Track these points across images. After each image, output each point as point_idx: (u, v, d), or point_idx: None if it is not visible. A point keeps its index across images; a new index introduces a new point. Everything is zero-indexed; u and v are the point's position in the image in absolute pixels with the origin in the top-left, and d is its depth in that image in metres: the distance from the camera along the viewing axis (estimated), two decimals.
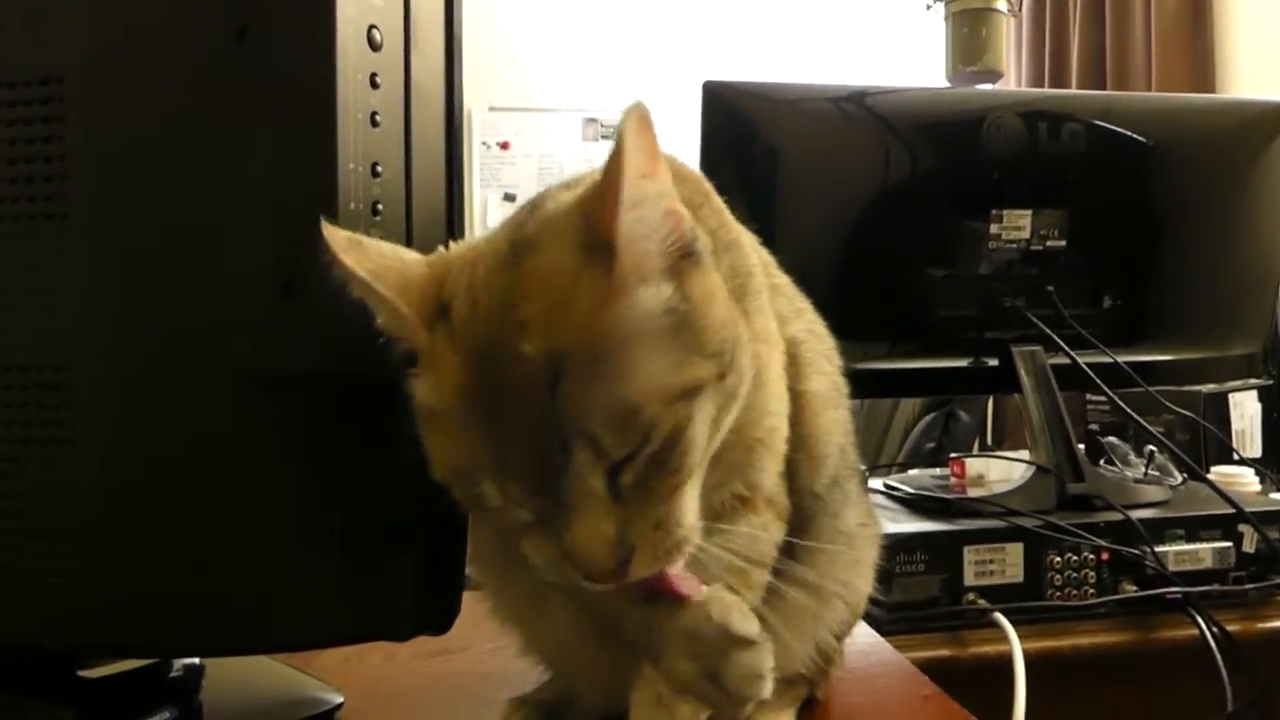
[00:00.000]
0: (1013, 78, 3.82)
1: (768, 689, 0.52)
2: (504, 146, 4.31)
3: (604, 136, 4.34)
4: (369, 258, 0.51)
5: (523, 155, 4.32)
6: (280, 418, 0.54)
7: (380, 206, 0.56)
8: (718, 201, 0.64)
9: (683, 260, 0.51)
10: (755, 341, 0.56)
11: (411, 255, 0.54)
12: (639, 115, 0.47)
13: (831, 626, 0.72)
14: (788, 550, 0.62)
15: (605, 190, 0.47)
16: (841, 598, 0.71)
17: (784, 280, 0.70)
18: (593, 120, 4.36)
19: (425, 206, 0.59)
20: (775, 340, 0.61)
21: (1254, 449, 1.76)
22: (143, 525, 0.56)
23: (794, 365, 0.64)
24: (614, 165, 0.47)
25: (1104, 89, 3.46)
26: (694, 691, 0.53)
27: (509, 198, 4.24)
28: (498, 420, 0.48)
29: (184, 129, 0.54)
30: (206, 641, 0.59)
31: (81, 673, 0.69)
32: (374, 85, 0.55)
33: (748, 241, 0.64)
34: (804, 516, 0.64)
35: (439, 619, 0.61)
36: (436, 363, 0.50)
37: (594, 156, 4.28)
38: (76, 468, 0.56)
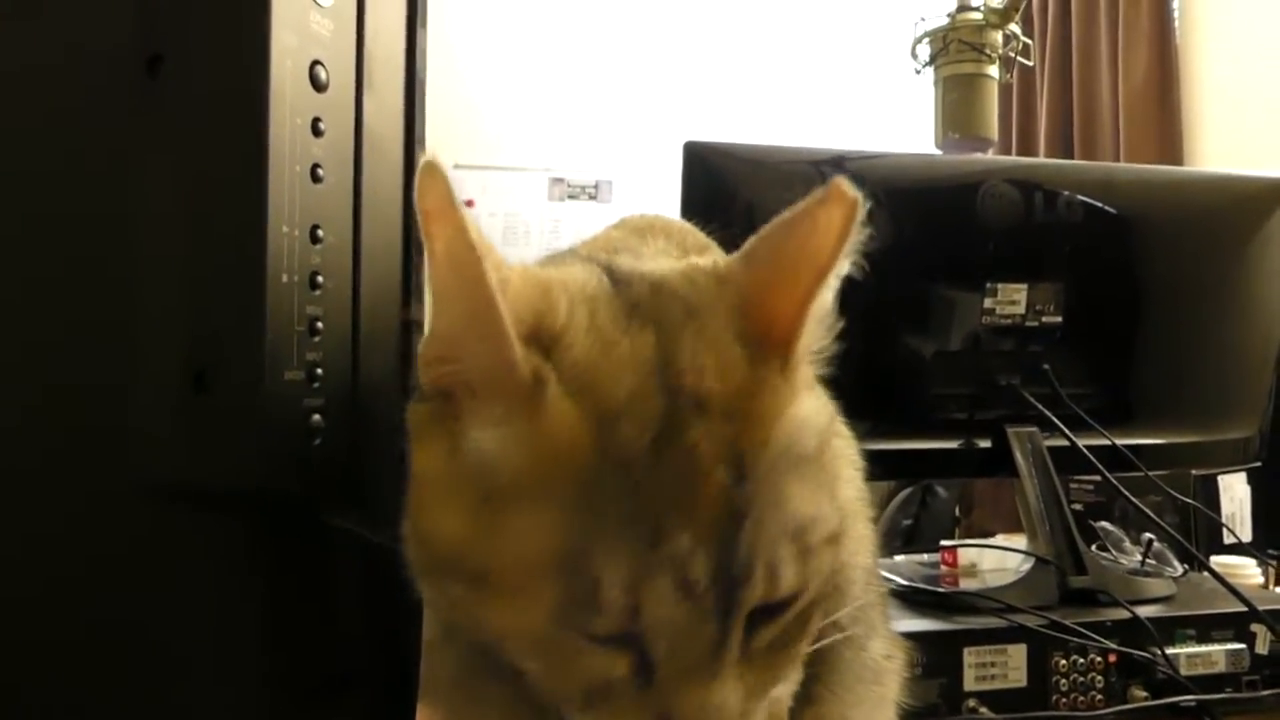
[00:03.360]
0: None
1: None
2: (468, 205, 4.24)
3: (570, 196, 4.29)
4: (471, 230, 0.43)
5: (487, 214, 4.25)
6: (190, 542, 0.43)
7: (321, 279, 0.45)
8: (720, 254, 0.56)
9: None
10: None
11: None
12: (853, 195, 0.39)
13: None
14: (804, 694, 0.52)
15: (793, 283, 0.40)
16: None
17: None
18: (559, 180, 4.31)
19: (377, 278, 0.49)
20: None
21: (1245, 533, 1.70)
22: (20, 671, 0.45)
23: None
24: (814, 247, 0.39)
25: (1072, 158, 3.46)
26: None
27: None
28: (666, 510, 0.37)
29: (77, 180, 0.43)
30: None
31: None
32: (316, 132, 0.45)
33: None
34: (824, 652, 0.54)
35: None
36: (537, 409, 0.39)
37: (560, 216, 4.22)
38: None
